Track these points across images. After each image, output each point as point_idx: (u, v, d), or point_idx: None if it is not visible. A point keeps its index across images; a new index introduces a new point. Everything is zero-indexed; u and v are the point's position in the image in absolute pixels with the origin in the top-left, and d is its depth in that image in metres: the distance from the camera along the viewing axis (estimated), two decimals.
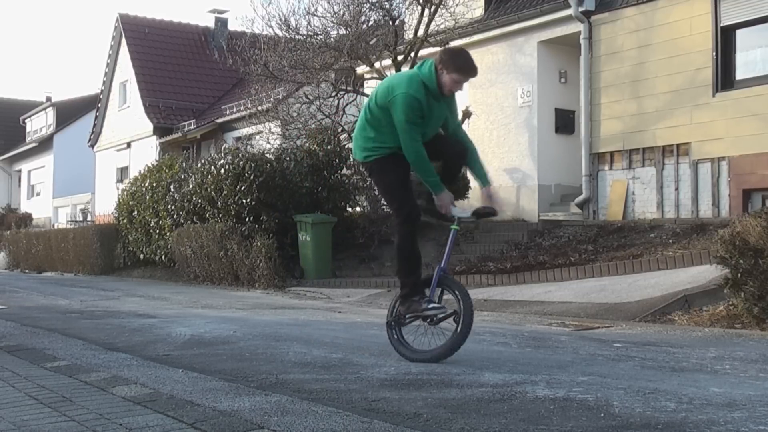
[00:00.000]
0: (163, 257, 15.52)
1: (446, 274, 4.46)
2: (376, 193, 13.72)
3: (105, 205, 26.45)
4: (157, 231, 15.59)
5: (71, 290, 12.33)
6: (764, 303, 5.88)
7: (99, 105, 29.97)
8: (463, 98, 14.79)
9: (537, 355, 4.77)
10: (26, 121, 37.88)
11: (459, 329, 4.20)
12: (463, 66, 4.35)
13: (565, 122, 13.95)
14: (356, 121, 4.87)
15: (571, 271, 9.30)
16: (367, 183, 13.91)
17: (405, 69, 14.11)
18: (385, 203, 4.38)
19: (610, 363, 4.41)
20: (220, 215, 13.31)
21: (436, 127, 4.52)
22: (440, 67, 4.33)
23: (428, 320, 4.39)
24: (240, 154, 13.49)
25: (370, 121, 4.46)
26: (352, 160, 13.86)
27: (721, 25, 10.90)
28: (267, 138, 16.57)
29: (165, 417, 2.95)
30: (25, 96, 71.57)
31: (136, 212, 16.50)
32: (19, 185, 39.12)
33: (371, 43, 14.89)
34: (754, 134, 10.41)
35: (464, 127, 14.06)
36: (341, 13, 14.37)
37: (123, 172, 27.60)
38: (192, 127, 24.32)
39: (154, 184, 15.84)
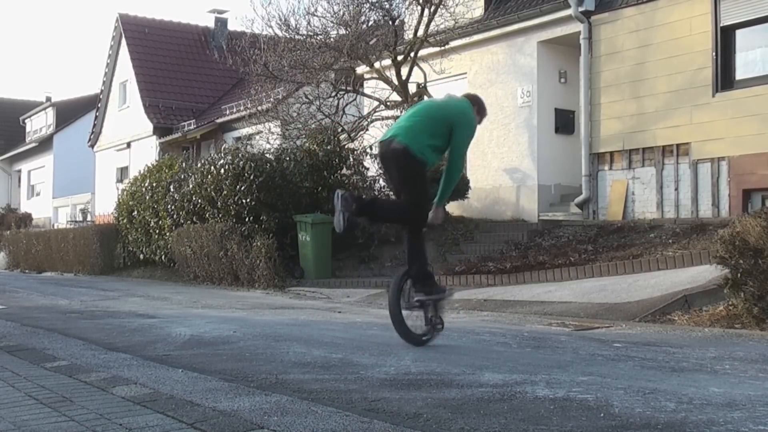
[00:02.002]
0: (163, 257, 15.52)
1: None
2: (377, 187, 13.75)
3: (105, 205, 26.46)
4: (157, 231, 15.59)
5: (71, 290, 12.33)
6: (764, 303, 5.88)
7: (99, 105, 29.97)
8: None
9: (537, 355, 4.77)
10: (26, 121, 37.88)
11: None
12: (485, 113, 5.53)
13: (565, 122, 13.95)
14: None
15: (571, 271, 9.30)
16: (367, 183, 13.92)
17: (404, 69, 14.13)
18: (416, 198, 5.13)
19: (610, 363, 4.41)
20: (220, 215, 13.31)
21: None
22: (475, 109, 5.34)
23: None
24: (240, 154, 13.49)
25: (434, 133, 5.05)
26: (351, 160, 13.88)
27: (721, 25, 10.91)
28: (267, 138, 16.56)
29: (165, 417, 2.95)
30: (25, 96, 71.66)
31: (136, 212, 16.50)
32: (19, 185, 39.11)
33: (371, 43, 14.89)
34: (753, 134, 10.41)
35: None
36: (341, 13, 14.36)
37: (123, 172, 27.61)
38: (192, 127, 24.32)
39: (154, 184, 15.84)
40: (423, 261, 5.14)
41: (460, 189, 13.65)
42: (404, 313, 4.96)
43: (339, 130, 14.70)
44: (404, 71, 14.11)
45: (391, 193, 5.49)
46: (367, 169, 13.95)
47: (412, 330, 4.98)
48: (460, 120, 5.11)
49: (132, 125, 27.01)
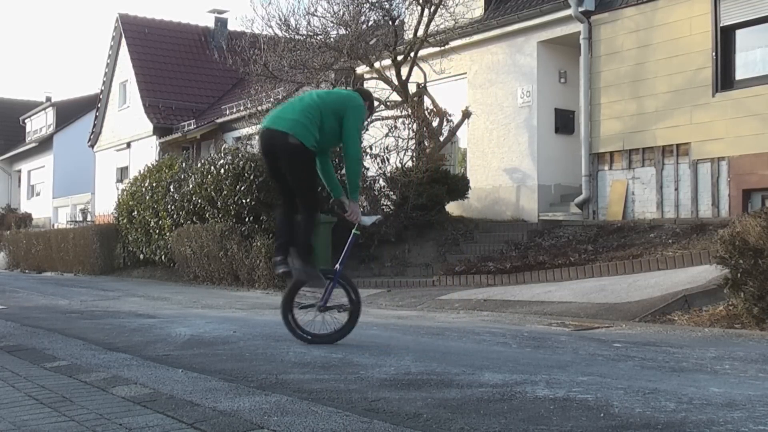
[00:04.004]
0: (163, 257, 15.51)
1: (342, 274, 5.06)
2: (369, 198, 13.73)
3: (105, 205, 26.45)
4: (157, 231, 15.59)
5: (71, 290, 12.33)
6: (764, 303, 5.88)
7: (99, 105, 29.97)
8: (462, 98, 14.83)
9: (537, 355, 4.77)
10: (26, 121, 37.88)
11: (348, 320, 5.02)
12: (373, 108, 5.45)
13: (565, 122, 13.95)
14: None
15: (571, 271, 9.31)
16: (367, 183, 13.90)
17: (404, 69, 14.14)
18: (304, 189, 5.05)
19: (609, 363, 4.41)
20: (220, 215, 13.31)
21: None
22: (367, 104, 5.23)
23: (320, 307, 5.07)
24: (240, 154, 13.48)
25: (318, 124, 4.92)
26: None
27: (721, 25, 10.91)
28: None
29: (165, 417, 2.95)
30: (25, 96, 71.67)
31: (135, 212, 16.50)
32: (19, 185, 39.11)
33: (371, 43, 14.88)
34: (753, 134, 10.41)
35: (464, 127, 14.21)
36: (341, 13, 14.36)
37: (123, 172, 27.61)
38: (192, 127, 24.32)
39: (154, 184, 15.84)
40: (307, 237, 5.10)
41: (460, 189, 13.67)
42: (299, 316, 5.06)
43: None
44: (404, 71, 14.11)
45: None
46: (367, 169, 13.94)
47: (302, 327, 5.05)
48: (347, 106, 5.00)
49: (132, 125, 27.01)
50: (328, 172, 5.22)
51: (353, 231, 5.15)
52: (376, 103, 14.69)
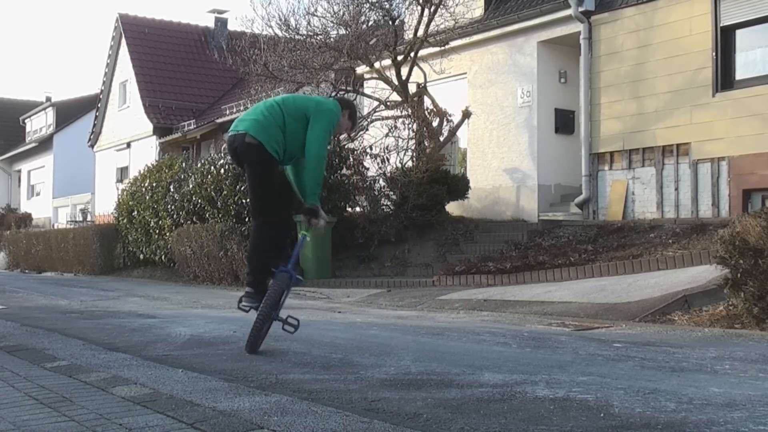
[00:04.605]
0: (163, 257, 15.51)
1: (284, 272, 4.73)
2: (370, 196, 13.72)
3: (105, 205, 26.45)
4: (157, 231, 15.59)
5: (71, 290, 12.33)
6: (764, 303, 5.88)
7: (99, 105, 29.97)
8: (462, 98, 14.83)
9: (537, 355, 4.77)
10: (26, 121, 37.87)
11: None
12: (355, 119, 5.26)
13: (565, 122, 13.95)
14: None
15: (571, 271, 9.30)
16: (367, 183, 13.91)
17: (404, 69, 14.14)
18: (255, 198, 4.98)
19: (610, 363, 4.41)
20: (220, 215, 13.31)
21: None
22: (347, 113, 5.08)
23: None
24: None
25: (281, 126, 4.77)
26: (351, 160, 13.87)
27: (721, 25, 10.91)
28: None
29: (165, 417, 2.95)
30: (25, 96, 71.68)
31: (135, 212, 16.50)
32: (19, 185, 39.11)
33: (371, 43, 14.88)
34: (754, 134, 10.41)
35: (464, 127, 14.21)
36: (341, 13, 14.36)
37: (123, 172, 27.61)
38: (192, 127, 24.32)
39: (154, 184, 15.85)
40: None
41: (460, 189, 13.67)
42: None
43: None
44: (404, 71, 14.12)
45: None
46: (367, 169, 13.95)
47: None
48: (316, 109, 4.82)
49: (132, 125, 27.01)
50: (300, 178, 5.00)
51: (305, 233, 4.97)
52: (375, 103, 14.75)
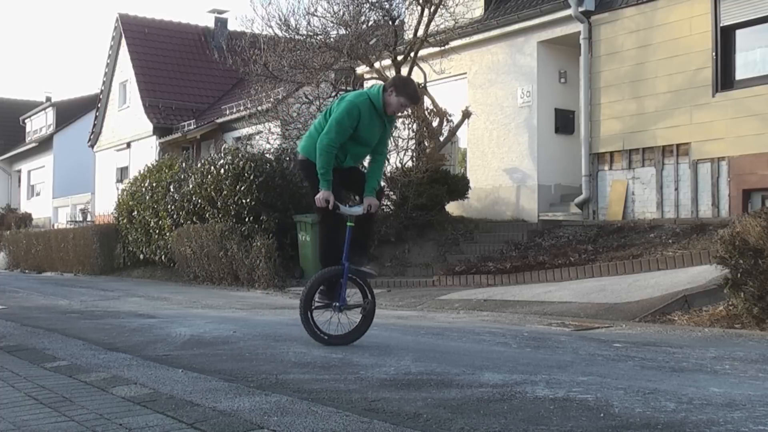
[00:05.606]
0: (163, 257, 15.51)
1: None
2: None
3: (105, 205, 26.44)
4: (157, 231, 15.59)
5: (71, 290, 12.33)
6: (764, 303, 5.88)
7: (99, 105, 29.96)
8: (462, 98, 14.83)
9: (537, 355, 4.77)
10: (26, 121, 37.85)
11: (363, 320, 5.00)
12: (411, 94, 5.04)
13: (564, 122, 13.95)
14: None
15: (571, 271, 9.31)
16: None
17: (405, 69, 14.13)
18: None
19: (609, 363, 4.41)
20: (220, 215, 13.31)
21: (368, 143, 5.15)
22: (390, 90, 4.96)
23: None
24: (240, 154, 13.49)
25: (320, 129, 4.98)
26: None
27: (721, 25, 10.91)
28: (267, 138, 16.56)
29: (165, 417, 2.95)
30: (25, 96, 71.62)
31: (135, 212, 16.50)
32: (19, 185, 39.09)
33: (371, 43, 14.88)
34: (754, 134, 10.41)
35: (464, 127, 14.19)
36: (341, 13, 14.35)
37: (123, 172, 27.60)
38: (192, 127, 24.32)
39: (154, 184, 15.84)
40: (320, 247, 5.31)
41: (460, 189, 13.67)
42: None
43: None
44: (404, 71, 14.11)
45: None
46: None
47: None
48: (335, 105, 5.07)
49: (132, 125, 27.00)
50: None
51: (347, 224, 5.02)
52: None
